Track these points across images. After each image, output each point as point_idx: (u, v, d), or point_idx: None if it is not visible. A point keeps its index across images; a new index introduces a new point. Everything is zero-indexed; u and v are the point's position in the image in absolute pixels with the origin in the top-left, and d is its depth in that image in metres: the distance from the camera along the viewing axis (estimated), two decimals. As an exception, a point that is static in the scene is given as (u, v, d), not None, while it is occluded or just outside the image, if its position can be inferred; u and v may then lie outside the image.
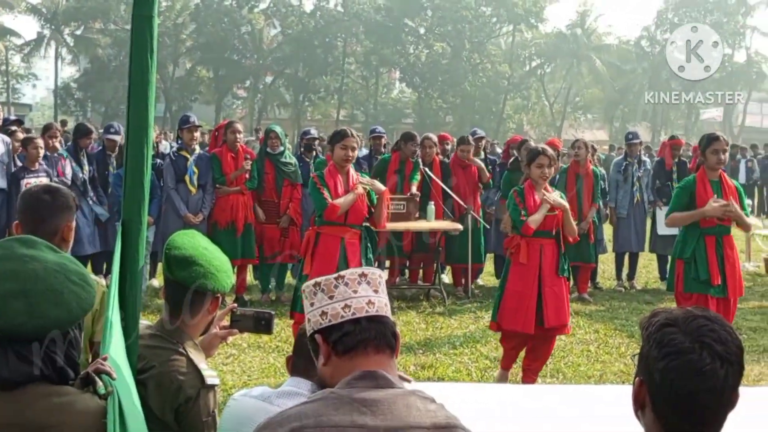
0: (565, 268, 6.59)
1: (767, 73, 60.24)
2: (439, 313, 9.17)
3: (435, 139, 10.51)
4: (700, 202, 6.56)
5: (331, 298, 2.13)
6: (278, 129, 9.78)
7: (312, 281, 2.20)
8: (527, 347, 6.66)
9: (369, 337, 2.10)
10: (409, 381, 2.70)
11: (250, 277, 10.10)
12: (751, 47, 59.96)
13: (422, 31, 53.41)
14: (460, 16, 50.68)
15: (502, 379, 6.72)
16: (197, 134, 9.53)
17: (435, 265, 10.19)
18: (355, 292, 2.14)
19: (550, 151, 6.58)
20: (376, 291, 2.17)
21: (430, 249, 10.12)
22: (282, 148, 9.53)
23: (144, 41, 2.55)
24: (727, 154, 6.85)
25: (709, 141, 6.68)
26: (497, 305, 6.61)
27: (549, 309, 6.35)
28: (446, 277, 10.96)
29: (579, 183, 10.14)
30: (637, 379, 1.88)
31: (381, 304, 2.16)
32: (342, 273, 2.18)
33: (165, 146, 25.51)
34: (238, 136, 9.33)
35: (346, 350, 2.09)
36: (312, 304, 2.17)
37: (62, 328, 2.10)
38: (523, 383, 6.52)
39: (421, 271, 10.66)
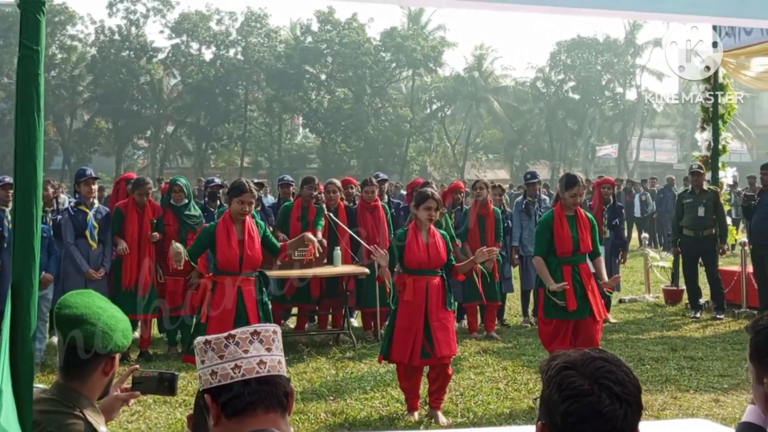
0: (452, 301, 6.89)
1: (657, 110, 62.65)
2: (348, 358, 9.12)
3: (338, 183, 10.57)
4: (557, 236, 7.04)
5: (221, 357, 2.09)
6: (183, 181, 9.66)
7: (203, 338, 2.15)
8: (430, 378, 6.90)
9: (258, 399, 2.07)
10: None
11: (155, 331, 9.88)
12: (641, 85, 62.42)
13: (323, 77, 53.78)
14: (360, 61, 51.24)
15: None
16: (95, 187, 9.32)
17: (343, 309, 10.15)
18: (246, 351, 2.10)
19: (437, 195, 6.87)
20: (269, 349, 2.14)
21: (338, 294, 10.10)
22: (186, 201, 9.43)
23: (30, 99, 2.49)
24: (584, 196, 7.20)
25: (569, 185, 7.07)
26: (387, 340, 6.82)
27: (440, 340, 6.59)
28: (356, 321, 10.93)
29: (482, 223, 10.30)
30: (539, 422, 1.89)
31: (274, 362, 2.13)
32: (233, 332, 2.13)
33: (63, 200, 24.84)
34: (144, 198, 9.20)
35: (234, 412, 2.06)
36: (203, 362, 2.12)
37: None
38: (431, 409, 6.83)
39: (330, 316, 10.62)
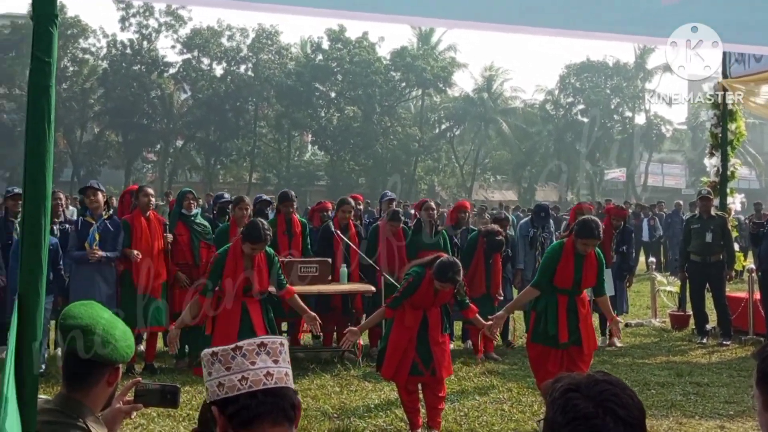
0: (447, 326, 7.00)
1: (666, 134, 62.57)
2: (353, 376, 9.09)
3: (352, 203, 10.56)
4: (559, 272, 6.88)
5: (228, 369, 2.09)
6: (193, 191, 9.99)
7: (210, 350, 2.15)
8: (425, 393, 6.92)
9: (265, 411, 2.06)
10: None
11: (161, 344, 9.87)
12: (650, 110, 62.32)
13: (333, 95, 53.93)
14: (370, 80, 51.40)
15: None
16: (96, 197, 9.07)
17: (348, 326, 10.09)
18: (252, 363, 2.09)
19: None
20: (276, 361, 2.13)
21: (338, 311, 10.09)
22: (196, 210, 9.57)
23: (41, 111, 2.49)
24: (595, 246, 6.96)
25: (583, 236, 6.80)
26: (380, 355, 6.94)
27: (440, 363, 6.73)
28: (361, 339, 10.87)
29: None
30: (543, 445, 1.88)
31: (281, 374, 2.13)
32: (240, 344, 2.13)
33: (72, 212, 24.75)
34: (151, 199, 9.24)
35: (242, 424, 2.05)
36: (210, 374, 2.12)
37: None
38: (429, 429, 6.86)
39: (335, 333, 10.57)
